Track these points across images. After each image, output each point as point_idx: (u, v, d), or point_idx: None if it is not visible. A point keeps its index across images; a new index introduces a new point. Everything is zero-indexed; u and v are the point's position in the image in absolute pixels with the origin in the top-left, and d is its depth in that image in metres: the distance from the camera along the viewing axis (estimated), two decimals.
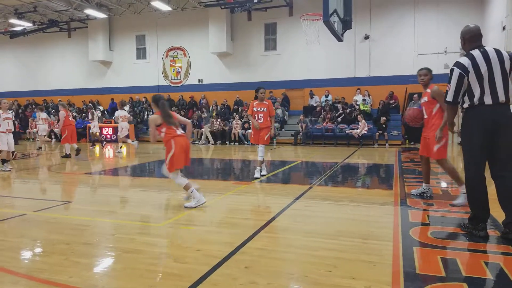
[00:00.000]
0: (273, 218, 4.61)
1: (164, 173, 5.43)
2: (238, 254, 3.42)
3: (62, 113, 11.71)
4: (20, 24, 21.12)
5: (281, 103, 18.06)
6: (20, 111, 22.97)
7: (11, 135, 9.23)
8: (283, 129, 17.49)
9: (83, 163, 11.25)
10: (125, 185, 7.52)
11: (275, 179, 7.78)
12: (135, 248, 3.63)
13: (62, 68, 23.44)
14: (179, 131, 5.28)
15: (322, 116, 16.79)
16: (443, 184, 6.91)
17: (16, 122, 21.16)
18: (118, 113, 13.67)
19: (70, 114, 12.43)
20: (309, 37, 13.69)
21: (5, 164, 9.05)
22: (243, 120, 17.11)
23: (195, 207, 5.14)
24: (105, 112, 21.21)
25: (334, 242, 3.71)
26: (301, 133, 16.18)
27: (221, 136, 17.35)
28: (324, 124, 16.38)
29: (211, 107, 19.17)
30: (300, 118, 16.64)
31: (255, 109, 7.37)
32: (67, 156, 11.75)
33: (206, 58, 19.97)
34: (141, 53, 21.66)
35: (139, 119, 20.04)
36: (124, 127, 13.47)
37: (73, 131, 11.88)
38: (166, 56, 21.04)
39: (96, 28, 21.47)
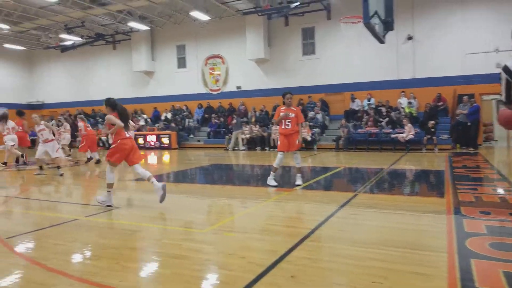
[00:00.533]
0: (318, 227, 4.50)
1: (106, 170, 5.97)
2: (283, 263, 3.36)
3: (80, 124, 12.75)
4: (70, 39, 22.35)
5: (321, 108, 17.83)
6: (70, 120, 24.22)
7: (50, 144, 9.90)
8: (324, 134, 17.22)
9: (128, 169, 11.62)
10: (168, 191, 7.66)
11: (317, 186, 7.64)
12: (181, 254, 3.67)
13: (108, 78, 24.50)
14: (128, 134, 5.98)
15: (364, 120, 16.38)
16: (500, 191, 6.48)
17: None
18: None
19: (89, 125, 13.38)
20: (349, 40, 13.40)
21: (59, 169, 9.86)
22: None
23: (100, 203, 5.80)
24: (148, 120, 21.91)
25: (383, 252, 3.56)
26: (343, 138, 15.85)
27: (260, 142, 17.37)
28: (367, 128, 15.96)
29: (249, 113, 19.27)
30: (341, 122, 16.31)
31: (282, 114, 7.22)
32: (89, 159, 12.66)
33: (244, 65, 20.13)
34: (181, 62, 22.22)
35: (180, 127, 20.50)
36: (131, 135, 14.32)
37: (90, 140, 12.68)
38: (205, 64, 21.44)
39: (139, 40, 22.30)
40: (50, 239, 4.27)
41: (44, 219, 5.47)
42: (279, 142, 7.35)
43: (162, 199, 5.67)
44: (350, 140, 15.76)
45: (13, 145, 11.95)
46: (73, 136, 22.27)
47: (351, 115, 17.17)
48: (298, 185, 7.19)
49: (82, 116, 13.66)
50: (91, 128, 13.41)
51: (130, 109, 23.01)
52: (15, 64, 26.67)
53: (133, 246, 4.02)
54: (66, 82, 26.26)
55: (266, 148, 16.95)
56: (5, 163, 12.05)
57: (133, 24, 20.33)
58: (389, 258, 3.42)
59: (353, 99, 17.65)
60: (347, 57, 17.68)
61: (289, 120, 7.14)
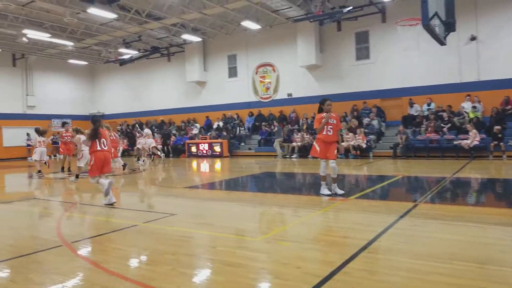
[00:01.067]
0: (375, 238, 4.31)
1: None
2: (339, 275, 3.25)
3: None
4: (128, 53, 23.66)
5: (376, 114, 17.27)
6: (128, 130, 25.55)
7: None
8: (380, 141, 16.64)
9: (182, 178, 11.98)
10: (221, 198, 7.77)
11: (373, 195, 7.36)
12: (236, 261, 3.67)
13: (163, 89, 25.57)
14: (100, 147, 6.84)
15: (424, 126, 15.61)
16: None
17: (125, 140, 23.74)
18: (146, 131, 16.17)
19: (112, 134, 13.88)
20: (406, 43, 12.86)
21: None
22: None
23: (109, 204, 6.71)
24: (202, 129, 22.48)
25: (447, 266, 3.34)
26: (400, 145, 15.20)
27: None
28: (428, 134, 15.17)
29: (301, 121, 19.12)
30: (399, 129, 15.65)
31: (324, 119, 6.96)
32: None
33: (295, 72, 20.07)
34: (232, 72, 22.63)
35: (231, 135, 20.81)
36: (149, 142, 16.02)
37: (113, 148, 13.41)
38: (256, 73, 21.65)
39: (192, 52, 23.07)
40: (111, 243, 4.47)
41: (105, 224, 5.75)
42: (318, 148, 7.00)
43: (106, 193, 6.71)
44: (409, 147, 15.07)
45: (40, 160, 13.04)
46: (131, 145, 23.56)
47: (409, 121, 16.44)
48: (339, 195, 6.92)
49: (108, 126, 14.30)
50: (114, 137, 14.07)
51: (184, 118, 23.87)
52: (78, 78, 28.73)
53: (189, 252, 4.09)
54: (124, 93, 27.79)
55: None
56: (70, 170, 12.97)
57: (186, 36, 21.08)
58: (455, 272, 3.20)
59: (411, 104, 16.89)
60: (404, 60, 17.00)
61: (331, 127, 6.93)
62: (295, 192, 8.54)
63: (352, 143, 15.88)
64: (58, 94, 27.24)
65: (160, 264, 3.68)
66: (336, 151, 7.00)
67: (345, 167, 12.16)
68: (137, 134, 17.26)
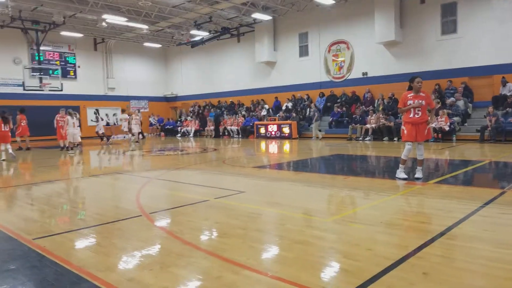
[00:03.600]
0: (455, 224, 4.01)
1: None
2: (413, 259, 3.11)
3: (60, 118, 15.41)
4: (199, 34, 24.27)
5: (463, 94, 15.87)
6: (200, 111, 26.54)
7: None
8: (465, 124, 15.34)
9: (251, 158, 12.19)
10: (290, 179, 7.78)
11: (454, 181, 6.86)
12: (305, 239, 3.67)
13: (232, 70, 25.92)
14: (4, 129, 11.53)
15: None
16: None
17: (197, 121, 24.81)
18: (123, 116, 18.88)
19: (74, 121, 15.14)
20: (502, 14, 11.36)
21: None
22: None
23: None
24: (270, 110, 22.54)
25: None
26: (489, 128, 13.87)
27: (387, 132, 16.36)
28: None
29: (376, 101, 18.27)
30: (488, 110, 14.24)
31: (410, 102, 6.49)
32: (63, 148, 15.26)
33: (371, 49, 19.03)
34: (303, 51, 22.10)
35: (301, 116, 20.59)
36: (125, 126, 18.81)
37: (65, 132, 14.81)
38: (329, 51, 20.95)
39: (261, 31, 22.95)
40: (185, 216, 4.71)
41: (180, 198, 6.09)
42: (405, 132, 6.65)
43: (12, 157, 11.39)
44: (499, 130, 13.70)
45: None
46: (202, 126, 24.59)
47: (501, 101, 14.88)
48: (417, 179, 6.58)
49: (70, 111, 14.95)
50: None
51: (253, 99, 24.14)
52: (153, 60, 30.32)
53: (258, 228, 4.17)
54: (196, 75, 28.72)
55: (395, 139, 15.87)
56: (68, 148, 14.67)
57: (257, 15, 20.94)
58: None
59: (504, 83, 15.17)
60: (498, 34, 15.23)
61: (419, 109, 6.48)
62: (368, 175, 8.24)
63: (433, 125, 14.84)
64: (135, 76, 29.00)
65: (231, 237, 3.81)
66: (426, 131, 6.59)
67: (424, 151, 11.41)
68: (95, 119, 19.98)
